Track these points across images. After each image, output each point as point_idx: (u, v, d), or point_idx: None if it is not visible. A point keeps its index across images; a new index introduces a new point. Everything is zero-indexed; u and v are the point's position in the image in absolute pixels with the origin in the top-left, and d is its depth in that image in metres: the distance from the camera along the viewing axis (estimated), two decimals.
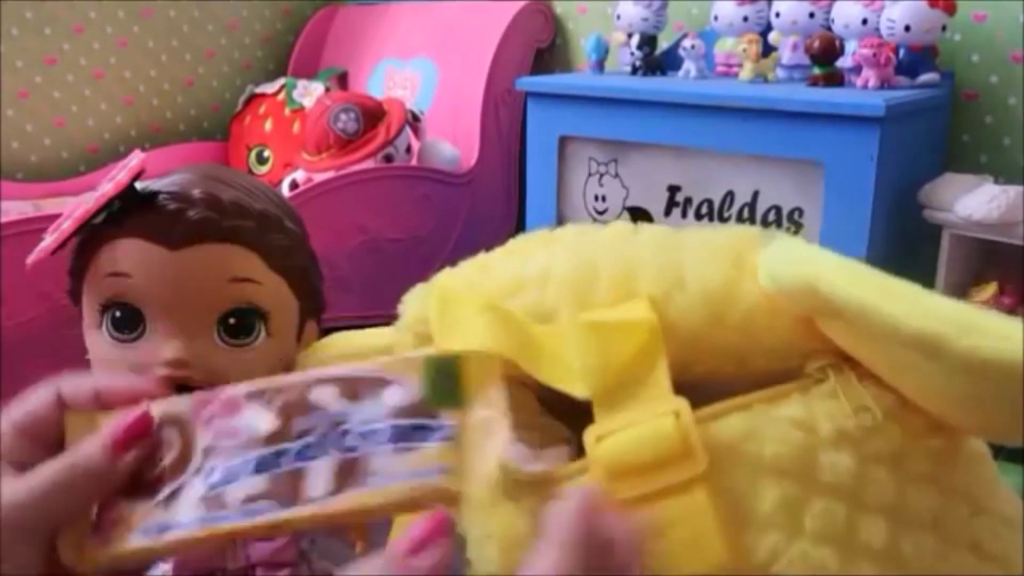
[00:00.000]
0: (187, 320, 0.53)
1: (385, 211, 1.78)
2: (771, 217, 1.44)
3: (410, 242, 1.84)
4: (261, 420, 0.35)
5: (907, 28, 1.41)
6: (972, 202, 1.29)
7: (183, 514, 0.34)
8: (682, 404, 0.33)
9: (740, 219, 1.47)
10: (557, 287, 0.37)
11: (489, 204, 1.97)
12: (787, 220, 1.42)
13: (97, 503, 0.35)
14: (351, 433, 0.34)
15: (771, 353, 0.35)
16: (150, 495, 0.35)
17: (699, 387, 0.34)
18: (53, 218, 0.55)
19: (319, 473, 0.34)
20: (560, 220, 1.67)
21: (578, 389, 0.34)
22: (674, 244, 0.37)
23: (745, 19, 1.59)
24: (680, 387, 0.34)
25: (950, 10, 1.43)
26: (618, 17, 1.72)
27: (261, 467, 0.34)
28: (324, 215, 1.64)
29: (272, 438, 0.35)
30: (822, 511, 0.32)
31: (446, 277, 0.42)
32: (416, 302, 0.42)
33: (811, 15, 1.54)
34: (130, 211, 0.53)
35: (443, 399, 0.34)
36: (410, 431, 0.34)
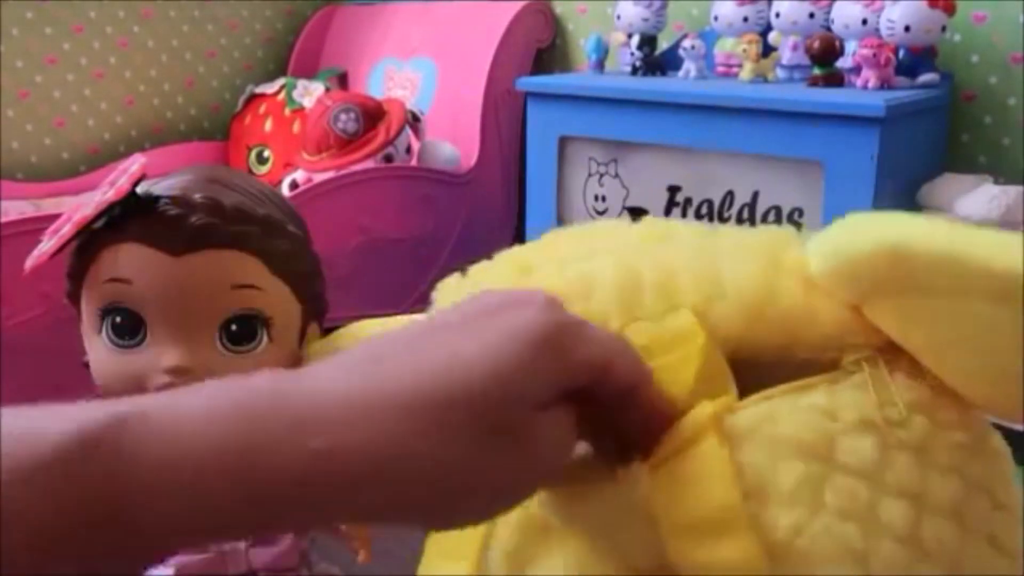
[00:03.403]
0: (188, 327, 0.53)
1: (385, 211, 1.78)
2: (771, 217, 1.44)
3: (410, 242, 1.84)
4: None
5: (907, 29, 1.41)
6: (971, 202, 1.29)
7: None
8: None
9: (740, 219, 1.47)
10: (602, 298, 0.37)
11: (489, 204, 1.97)
12: (787, 220, 1.42)
13: None
14: None
15: (810, 346, 0.36)
16: None
17: (747, 366, 0.35)
18: (53, 218, 0.55)
19: None
20: (560, 220, 1.67)
21: None
22: (710, 247, 0.38)
23: (745, 19, 1.59)
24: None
25: (950, 11, 1.43)
26: (618, 17, 1.72)
27: None
28: (324, 215, 1.64)
29: None
30: (843, 488, 0.32)
31: (483, 275, 0.41)
32: (451, 294, 0.42)
33: (811, 15, 1.54)
34: (131, 216, 0.52)
35: None
36: None
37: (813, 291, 0.35)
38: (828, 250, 0.35)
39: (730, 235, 0.39)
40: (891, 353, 0.35)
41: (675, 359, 0.34)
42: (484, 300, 0.31)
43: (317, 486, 0.27)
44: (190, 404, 0.27)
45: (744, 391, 0.35)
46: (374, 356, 0.29)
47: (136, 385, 0.53)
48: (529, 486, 0.31)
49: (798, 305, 0.35)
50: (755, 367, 0.35)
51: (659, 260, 0.37)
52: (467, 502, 0.29)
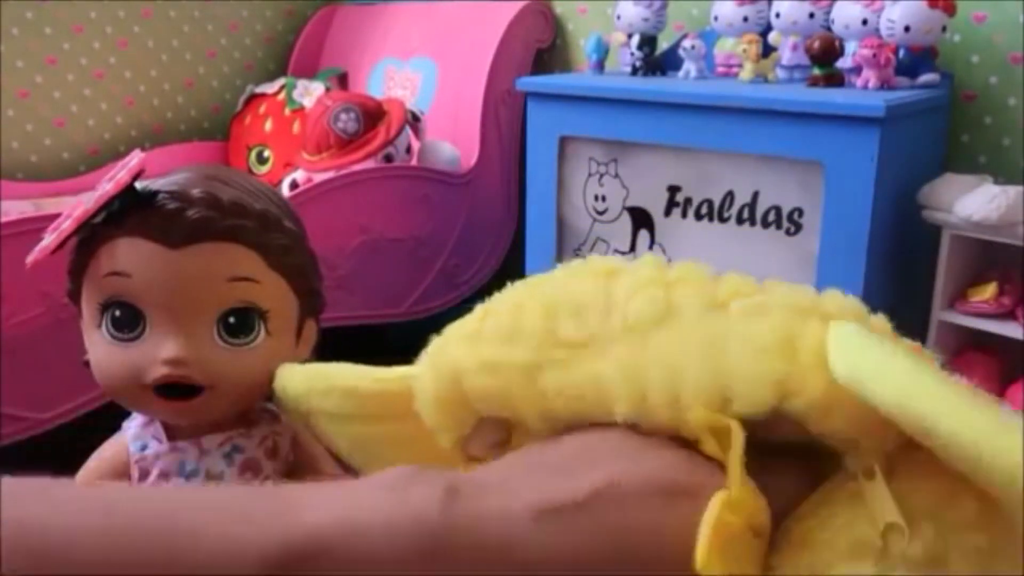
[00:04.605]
0: (186, 319, 0.53)
1: (385, 211, 1.78)
2: (771, 217, 1.44)
3: (410, 242, 1.84)
4: None
5: (907, 29, 1.41)
6: (972, 202, 1.29)
7: None
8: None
9: (740, 219, 1.47)
10: (619, 409, 0.35)
11: (489, 204, 1.97)
12: (787, 220, 1.43)
13: None
14: None
15: (822, 437, 0.33)
16: None
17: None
18: (53, 218, 0.55)
19: None
20: (560, 220, 1.67)
21: None
22: (720, 336, 0.34)
23: (745, 19, 1.59)
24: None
25: (950, 11, 1.43)
26: (618, 17, 1.72)
27: None
28: (324, 215, 1.64)
29: None
30: None
31: (478, 373, 0.38)
32: (430, 384, 0.40)
33: (811, 15, 1.54)
34: (130, 210, 0.53)
35: None
36: None
37: (830, 386, 0.32)
38: (850, 376, 0.31)
39: (741, 310, 0.35)
40: (907, 449, 0.31)
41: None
42: (669, 478, 0.32)
43: None
44: (372, 535, 0.28)
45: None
46: (551, 510, 0.30)
47: (135, 378, 0.54)
48: None
49: (816, 402, 0.32)
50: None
51: (664, 365, 0.34)
52: None
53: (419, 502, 0.29)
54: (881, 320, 0.35)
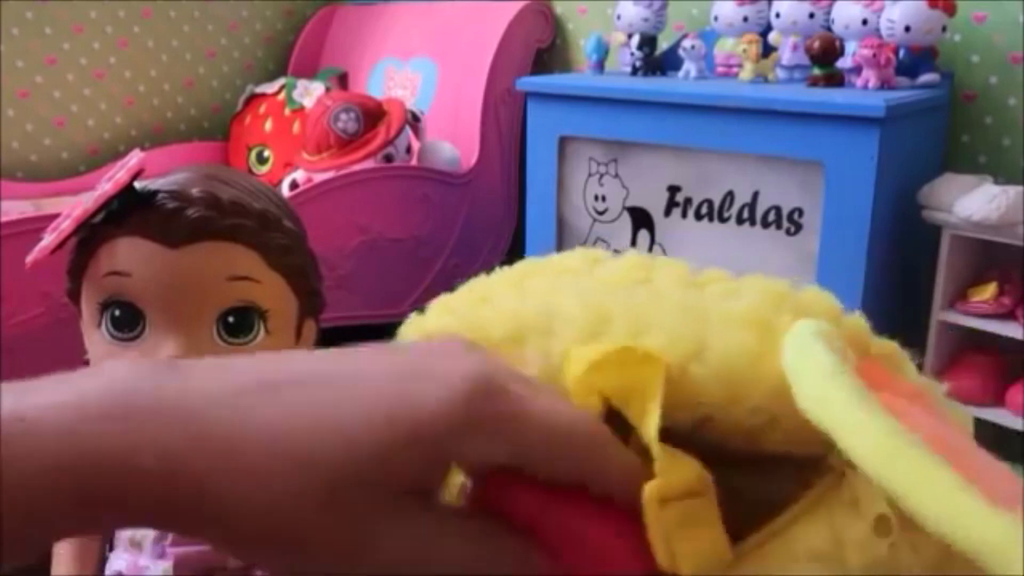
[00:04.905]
0: (186, 318, 0.54)
1: (385, 211, 1.78)
2: (771, 217, 1.44)
3: (410, 242, 1.84)
4: None
5: (907, 29, 1.42)
6: (972, 202, 1.29)
7: None
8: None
9: (740, 219, 1.47)
10: (563, 334, 0.32)
11: (489, 204, 1.97)
12: (787, 220, 1.43)
13: None
14: None
15: (790, 436, 0.31)
16: None
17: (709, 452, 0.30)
18: (53, 218, 0.55)
19: None
20: (560, 220, 1.67)
21: None
22: (695, 304, 0.33)
23: (745, 19, 1.59)
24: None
25: (950, 11, 1.43)
26: (618, 17, 1.72)
27: None
28: (324, 215, 1.64)
29: None
30: None
31: (441, 315, 0.38)
32: (414, 331, 0.39)
33: (811, 15, 1.54)
34: (129, 210, 0.53)
35: None
36: None
37: None
38: (789, 368, 0.30)
39: (717, 292, 0.34)
40: None
41: (631, 381, 0.29)
42: (407, 351, 0.30)
43: (139, 506, 0.26)
44: (64, 403, 0.26)
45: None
46: (268, 384, 0.27)
47: None
48: None
49: (785, 389, 0.30)
50: (719, 455, 0.31)
51: (633, 308, 0.32)
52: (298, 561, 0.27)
53: (112, 375, 0.27)
54: (857, 320, 0.33)
